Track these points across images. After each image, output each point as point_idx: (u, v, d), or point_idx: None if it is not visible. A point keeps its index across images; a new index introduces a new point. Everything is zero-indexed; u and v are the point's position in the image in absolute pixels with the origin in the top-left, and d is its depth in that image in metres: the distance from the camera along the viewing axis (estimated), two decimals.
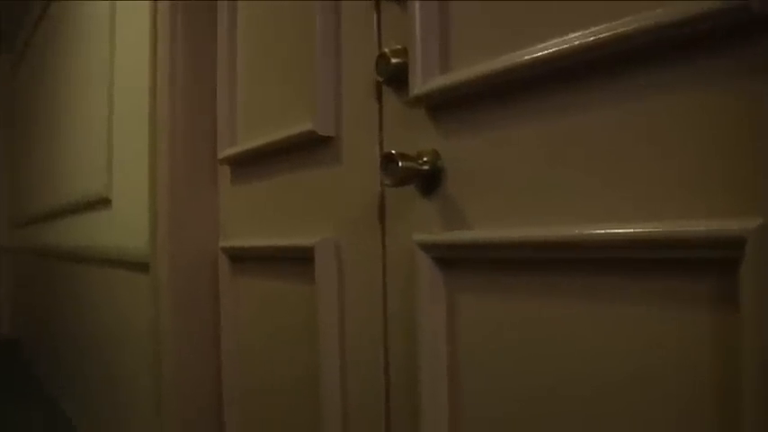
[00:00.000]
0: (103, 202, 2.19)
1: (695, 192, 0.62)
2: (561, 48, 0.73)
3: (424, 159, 0.90)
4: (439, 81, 0.88)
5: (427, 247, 0.90)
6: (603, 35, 0.68)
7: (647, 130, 0.66)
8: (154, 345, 1.57)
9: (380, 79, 0.96)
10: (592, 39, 0.69)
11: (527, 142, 0.79)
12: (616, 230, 0.68)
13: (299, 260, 1.19)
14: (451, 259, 0.89)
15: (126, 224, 1.92)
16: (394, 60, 0.94)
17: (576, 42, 0.71)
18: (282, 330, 1.27)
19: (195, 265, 1.52)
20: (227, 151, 1.45)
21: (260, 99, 1.36)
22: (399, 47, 0.95)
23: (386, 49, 0.95)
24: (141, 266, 1.68)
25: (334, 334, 1.09)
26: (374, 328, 1.01)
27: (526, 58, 0.77)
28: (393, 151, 0.88)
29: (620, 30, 0.66)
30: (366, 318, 1.03)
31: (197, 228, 1.53)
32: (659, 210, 0.65)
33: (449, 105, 0.88)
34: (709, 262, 0.60)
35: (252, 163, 1.37)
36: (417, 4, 0.91)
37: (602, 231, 0.70)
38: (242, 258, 1.43)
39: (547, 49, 0.74)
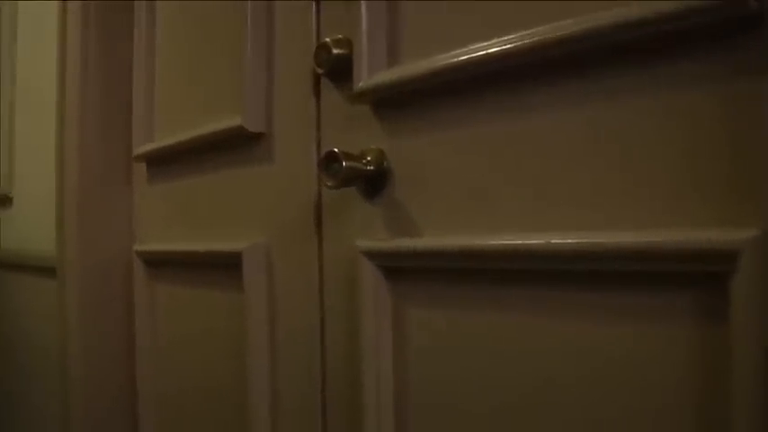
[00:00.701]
0: (3, 201, 2.03)
1: (680, 200, 0.57)
2: (523, 42, 0.67)
3: (368, 159, 0.83)
4: (387, 75, 0.81)
5: (372, 255, 0.83)
6: (574, 29, 0.62)
7: (624, 132, 0.61)
8: (61, 355, 1.43)
9: (320, 71, 0.88)
10: (560, 33, 0.64)
11: (483, 144, 0.73)
12: (583, 240, 0.63)
13: (224, 266, 1.10)
14: (398, 268, 0.82)
15: (29, 225, 1.78)
16: (336, 51, 0.86)
17: (541, 37, 0.65)
18: (205, 341, 1.17)
19: (106, 271, 1.40)
20: (143, 147, 1.34)
21: (182, 94, 1.26)
22: (342, 37, 0.88)
23: (327, 39, 0.87)
24: (47, 271, 1.54)
25: (263, 347, 1.01)
26: (310, 341, 0.93)
27: (483, 53, 0.71)
28: (336, 149, 0.80)
29: (594, 23, 0.61)
30: (301, 329, 0.95)
31: (109, 230, 1.41)
32: (637, 218, 0.60)
33: (397, 102, 0.82)
34: (693, 275, 0.56)
35: (172, 161, 1.27)
36: None
37: (571, 241, 0.64)
38: (159, 263, 1.32)
39: (507, 44, 0.68)
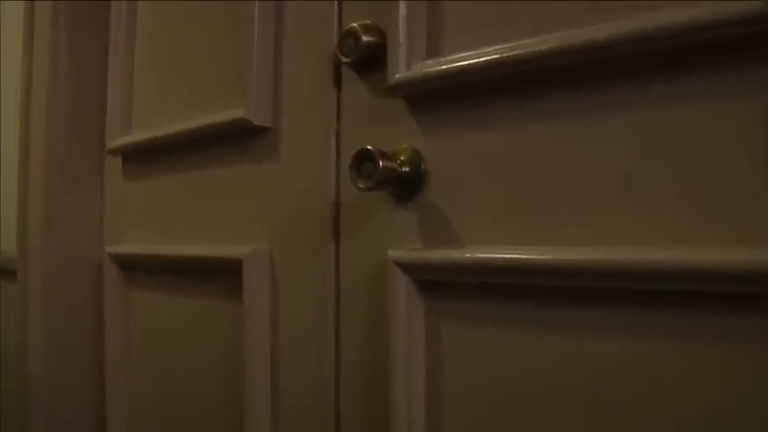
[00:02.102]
0: None
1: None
2: (588, 38, 0.60)
3: (402, 159, 0.74)
4: (429, 66, 0.72)
5: (406, 266, 0.74)
6: (648, 26, 0.56)
7: (692, 139, 0.55)
8: (21, 363, 1.30)
9: (346, 60, 0.79)
10: (631, 30, 0.57)
11: (533, 148, 0.66)
12: (644, 257, 0.57)
13: (217, 273, 1.00)
14: (434, 282, 0.74)
15: None
16: (366, 38, 0.78)
17: (611, 32, 0.58)
18: (191, 357, 1.07)
19: (74, 274, 1.27)
20: (119, 140, 1.22)
21: (167, 84, 1.15)
22: (370, 23, 0.79)
23: (355, 25, 0.78)
24: (7, 273, 1.41)
25: (264, 368, 0.90)
26: (321, 360, 0.84)
27: (541, 48, 0.63)
28: (370, 147, 0.72)
29: (674, 20, 0.54)
30: (311, 347, 0.85)
31: (78, 229, 1.28)
32: (703, 233, 0.54)
33: (436, 97, 0.73)
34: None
35: (155, 155, 1.15)
36: None
37: (630, 258, 0.58)
38: (136, 267, 1.21)
39: (568, 40, 0.61)
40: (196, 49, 1.08)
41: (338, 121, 0.84)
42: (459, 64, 0.69)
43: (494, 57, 0.67)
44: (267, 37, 0.92)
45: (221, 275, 0.98)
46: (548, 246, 0.64)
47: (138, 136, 1.18)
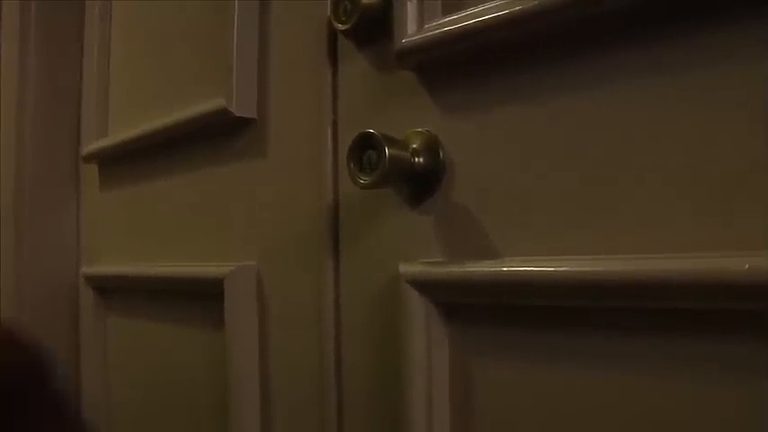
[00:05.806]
0: None
1: None
2: None
3: (414, 147, 0.58)
4: (445, 24, 0.56)
5: (422, 285, 0.57)
6: None
7: None
8: None
9: (342, 27, 0.63)
10: None
11: (592, 125, 0.49)
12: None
13: (202, 296, 0.84)
14: (459, 304, 0.57)
15: None
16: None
17: None
18: (175, 394, 0.91)
19: (46, 300, 1.12)
20: (94, 145, 1.07)
21: (145, 79, 1.00)
22: None
23: None
24: None
25: (253, 412, 0.74)
26: (321, 399, 0.67)
27: None
28: (373, 131, 0.55)
29: None
30: (308, 389, 0.69)
31: (50, 249, 1.13)
32: None
33: (458, 64, 0.57)
34: None
35: (131, 160, 1.00)
36: None
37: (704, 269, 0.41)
38: (114, 290, 1.05)
39: None
40: (174, 37, 0.92)
41: (334, 105, 0.68)
42: (486, 18, 0.53)
43: (533, 4, 0.50)
44: (250, 12, 0.77)
45: (203, 298, 0.82)
46: (606, 253, 0.48)
47: (114, 138, 1.03)
